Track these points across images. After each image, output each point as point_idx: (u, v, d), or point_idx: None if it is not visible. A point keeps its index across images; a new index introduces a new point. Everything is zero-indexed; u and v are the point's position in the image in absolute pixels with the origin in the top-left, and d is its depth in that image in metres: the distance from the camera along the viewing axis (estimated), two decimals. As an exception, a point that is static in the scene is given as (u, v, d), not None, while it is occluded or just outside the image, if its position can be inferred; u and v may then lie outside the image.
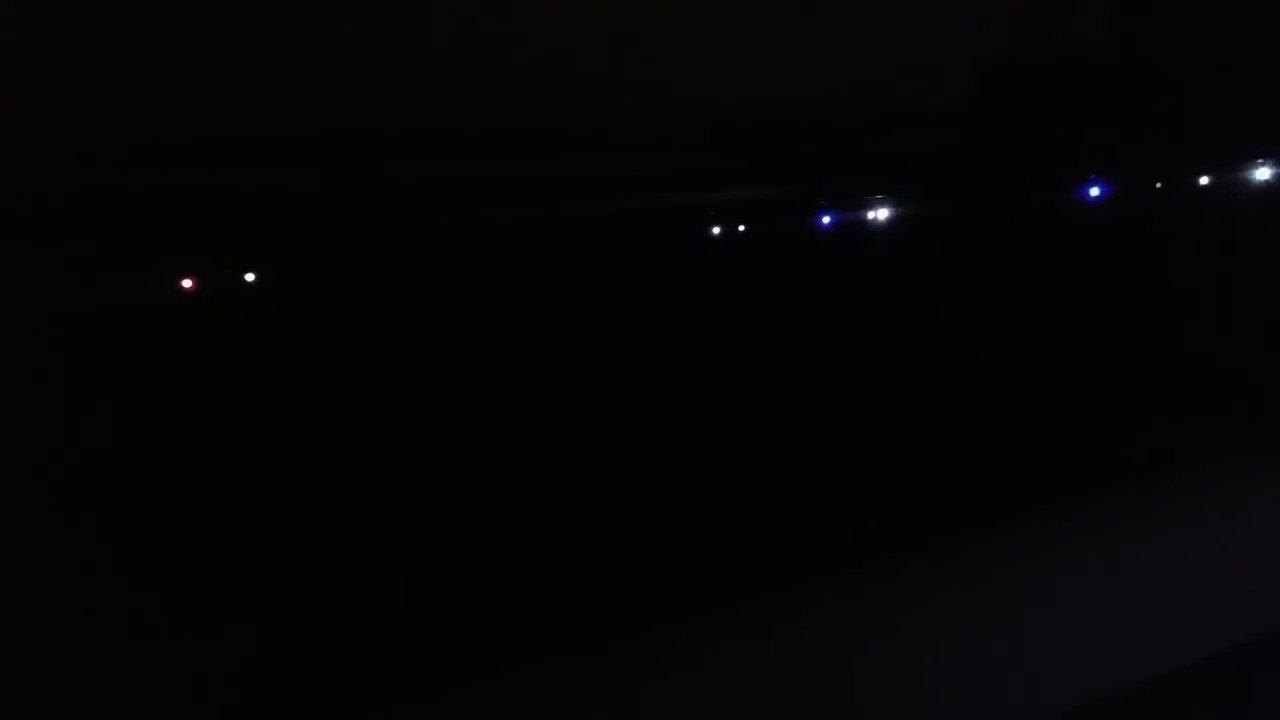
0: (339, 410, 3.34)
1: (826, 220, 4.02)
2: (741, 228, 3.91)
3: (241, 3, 3.09)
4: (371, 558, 3.31)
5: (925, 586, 3.78)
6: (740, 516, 3.84)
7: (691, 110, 3.78)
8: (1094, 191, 4.35)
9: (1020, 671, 3.57)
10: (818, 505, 3.90)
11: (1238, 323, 4.81)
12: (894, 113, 4.10)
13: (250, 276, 3.31)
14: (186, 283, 3.20)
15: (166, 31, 3.00)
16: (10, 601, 2.92)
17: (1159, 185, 4.47)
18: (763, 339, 3.97)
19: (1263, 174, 4.51)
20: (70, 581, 2.97)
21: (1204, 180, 4.55)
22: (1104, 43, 4.46)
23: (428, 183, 3.54)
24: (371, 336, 3.43)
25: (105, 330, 3.03)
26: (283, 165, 3.32)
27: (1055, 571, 3.92)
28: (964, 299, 4.34)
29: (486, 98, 3.51)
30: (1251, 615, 3.93)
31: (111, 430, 3.06)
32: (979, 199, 4.27)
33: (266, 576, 3.20)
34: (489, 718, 3.19)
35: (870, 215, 4.08)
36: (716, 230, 3.86)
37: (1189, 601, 3.91)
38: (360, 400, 3.37)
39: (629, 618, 3.53)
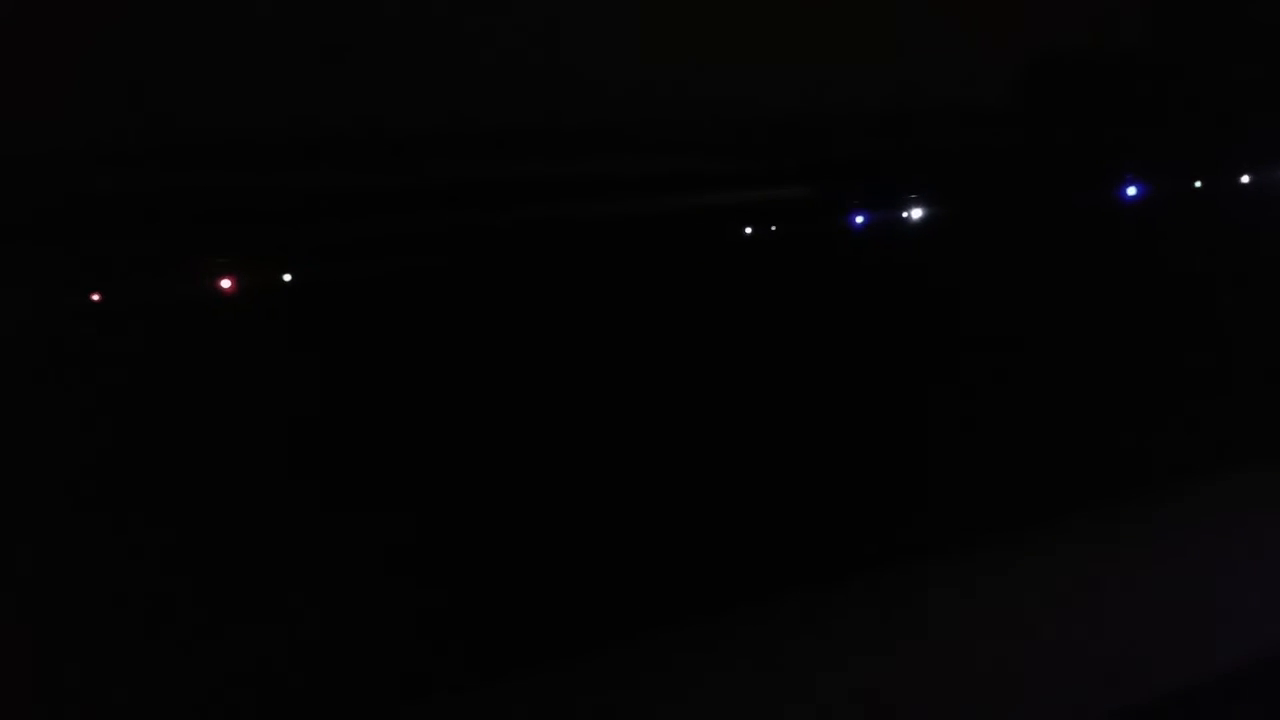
0: (365, 412, 3.37)
1: (859, 220, 4.01)
2: (772, 228, 3.91)
3: (273, 12, 3.14)
4: (386, 558, 3.33)
5: (975, 586, 3.74)
6: (792, 515, 3.84)
7: (720, 111, 3.79)
8: (1131, 191, 4.31)
9: (1070, 670, 3.52)
10: (842, 509, 3.88)
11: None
12: (926, 112, 4.09)
13: (286, 276, 3.35)
14: (225, 283, 3.24)
15: (195, 44, 3.06)
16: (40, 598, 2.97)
17: (1198, 185, 4.42)
18: (798, 342, 3.95)
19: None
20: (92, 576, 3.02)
21: (1244, 179, 4.50)
22: (1142, 43, 4.42)
23: (458, 184, 3.57)
24: (404, 338, 3.45)
25: (130, 327, 3.08)
26: (311, 168, 3.37)
27: (1104, 573, 3.88)
28: (1001, 300, 4.31)
29: (523, 99, 3.54)
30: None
31: (134, 426, 3.10)
32: (1014, 198, 4.24)
33: (298, 574, 3.24)
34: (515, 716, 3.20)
35: (903, 215, 4.06)
36: (748, 230, 3.87)
37: (1240, 604, 3.83)
38: (389, 402, 3.39)
39: (667, 616, 3.54)
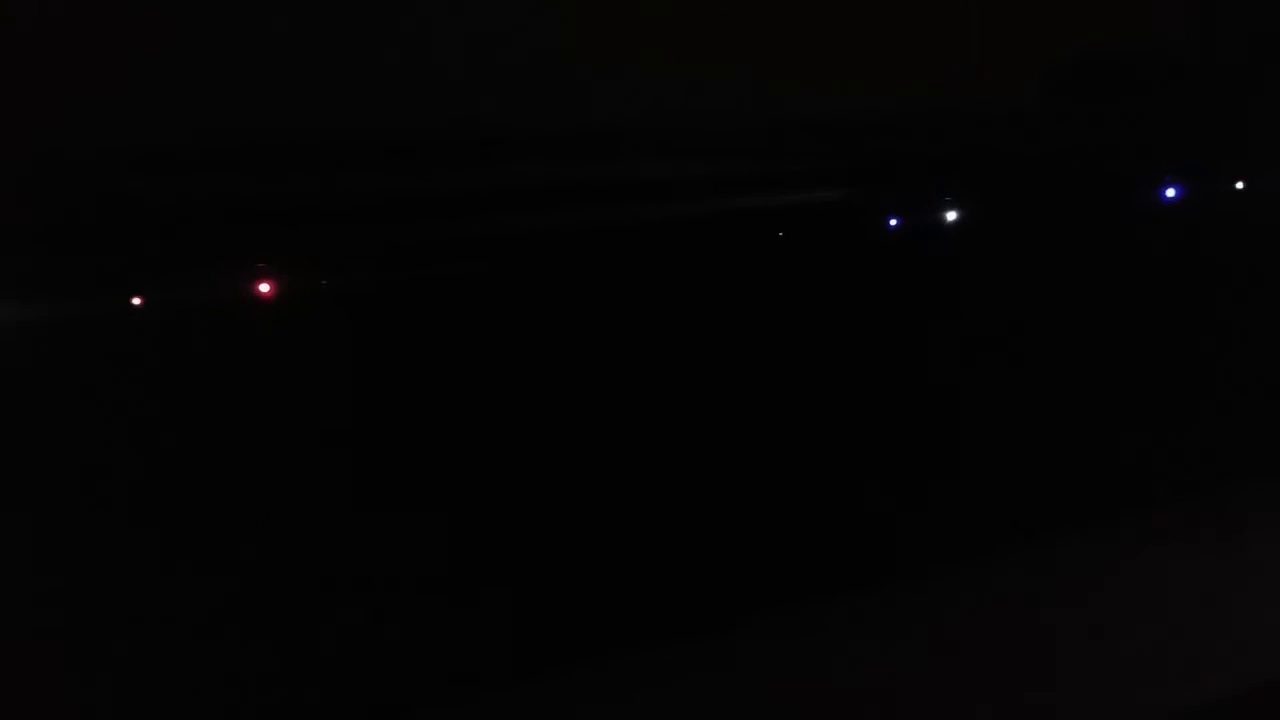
0: (391, 416, 3.40)
1: (893, 223, 4.00)
2: (807, 230, 3.91)
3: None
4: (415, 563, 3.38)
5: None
6: (826, 521, 3.85)
7: (754, 112, 3.80)
8: (1170, 193, 4.26)
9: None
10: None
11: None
12: (962, 114, 4.07)
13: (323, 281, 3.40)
14: (263, 286, 3.29)
15: (232, 47, 3.12)
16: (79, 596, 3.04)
17: (1239, 185, 4.36)
18: (830, 347, 3.94)
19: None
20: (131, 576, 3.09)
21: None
22: (1181, 43, 4.37)
23: (496, 189, 3.61)
24: (444, 343, 3.48)
25: (172, 331, 3.13)
26: (352, 172, 3.42)
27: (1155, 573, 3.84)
28: (1042, 303, 4.28)
29: (555, 103, 3.57)
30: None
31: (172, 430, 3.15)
32: (1050, 202, 4.21)
33: (320, 577, 3.29)
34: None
35: (939, 217, 4.04)
36: (781, 233, 3.87)
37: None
38: (412, 406, 3.42)
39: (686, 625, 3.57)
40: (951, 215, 4.00)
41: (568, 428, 3.56)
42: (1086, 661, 3.37)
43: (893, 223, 4.00)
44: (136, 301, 3.15)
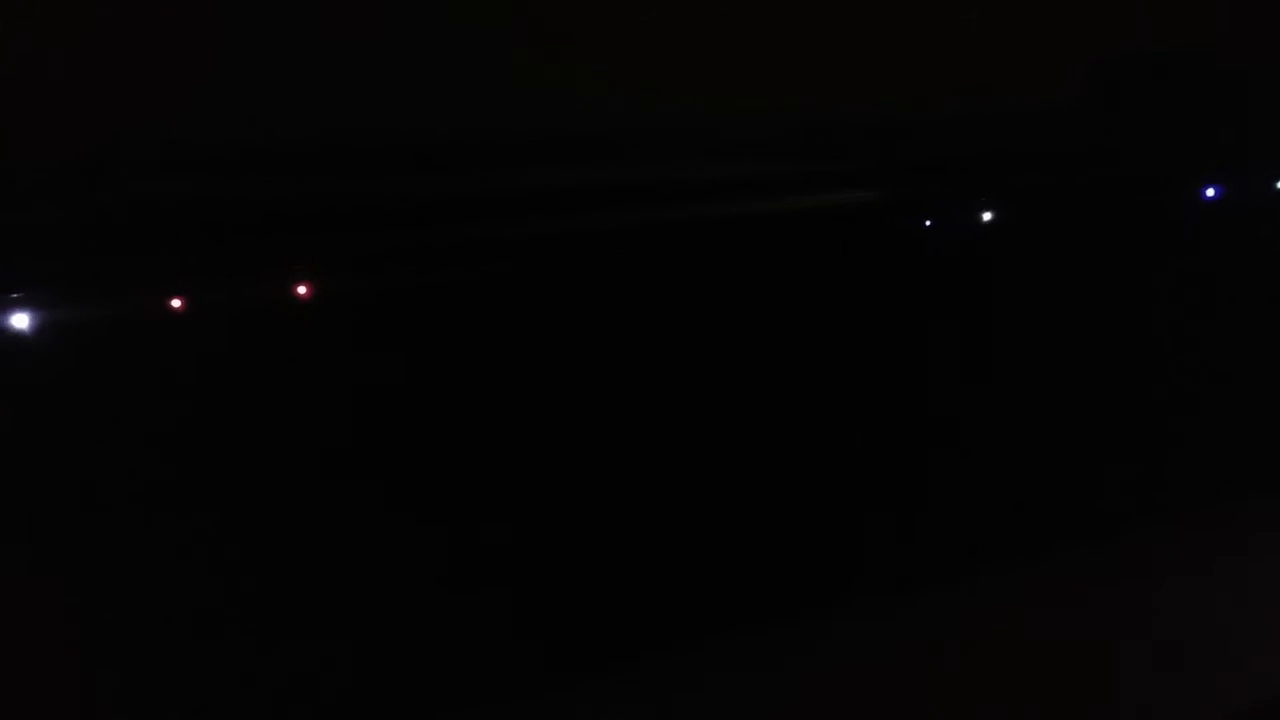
0: (421, 419, 3.40)
1: (927, 225, 3.98)
2: (838, 234, 3.90)
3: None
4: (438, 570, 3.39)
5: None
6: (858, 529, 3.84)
7: (787, 114, 3.80)
8: (1210, 192, 4.22)
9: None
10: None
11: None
12: (998, 113, 4.05)
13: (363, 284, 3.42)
14: (302, 289, 3.31)
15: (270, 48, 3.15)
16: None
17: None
18: (865, 353, 3.93)
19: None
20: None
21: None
22: (1221, 37, 4.33)
23: (529, 191, 3.62)
24: (481, 347, 3.49)
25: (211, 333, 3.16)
26: (390, 174, 3.45)
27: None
28: (1084, 307, 4.25)
29: (579, 105, 3.58)
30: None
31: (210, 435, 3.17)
32: (1090, 200, 4.18)
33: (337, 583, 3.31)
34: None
35: (975, 219, 4.02)
36: (813, 235, 3.86)
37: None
38: (442, 410, 3.43)
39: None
40: (987, 216, 3.97)
41: (603, 432, 3.57)
42: (1092, 670, 3.35)
43: (928, 224, 3.98)
44: (176, 303, 3.17)
